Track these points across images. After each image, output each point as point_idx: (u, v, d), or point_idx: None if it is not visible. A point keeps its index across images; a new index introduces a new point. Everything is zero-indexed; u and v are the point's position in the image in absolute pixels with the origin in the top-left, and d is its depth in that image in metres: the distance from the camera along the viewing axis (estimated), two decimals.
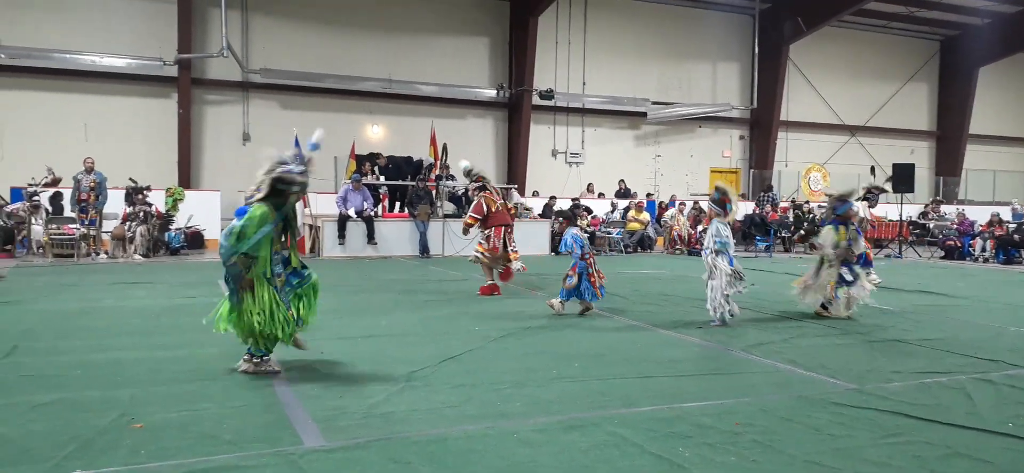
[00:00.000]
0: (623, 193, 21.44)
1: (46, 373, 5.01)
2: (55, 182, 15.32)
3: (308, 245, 15.78)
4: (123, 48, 18.56)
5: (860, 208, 12.27)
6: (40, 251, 14.28)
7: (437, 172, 17.45)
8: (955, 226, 20.11)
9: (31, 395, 4.43)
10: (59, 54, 17.99)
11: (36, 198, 14.46)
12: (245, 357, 5.06)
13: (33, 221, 14.41)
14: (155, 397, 4.44)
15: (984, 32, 26.38)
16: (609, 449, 3.69)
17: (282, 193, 4.95)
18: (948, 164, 28.07)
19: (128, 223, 14.69)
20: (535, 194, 20.88)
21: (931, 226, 21.55)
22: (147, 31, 18.72)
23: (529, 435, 3.88)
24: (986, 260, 17.49)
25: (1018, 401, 4.78)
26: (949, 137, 28.27)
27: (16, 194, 15.33)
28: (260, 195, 4.93)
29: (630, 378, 5.22)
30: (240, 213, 4.97)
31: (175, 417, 4.05)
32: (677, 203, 19.66)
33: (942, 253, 18.91)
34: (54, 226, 14.41)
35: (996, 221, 18.37)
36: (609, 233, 18.78)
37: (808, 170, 24.67)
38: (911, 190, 19.18)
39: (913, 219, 22.21)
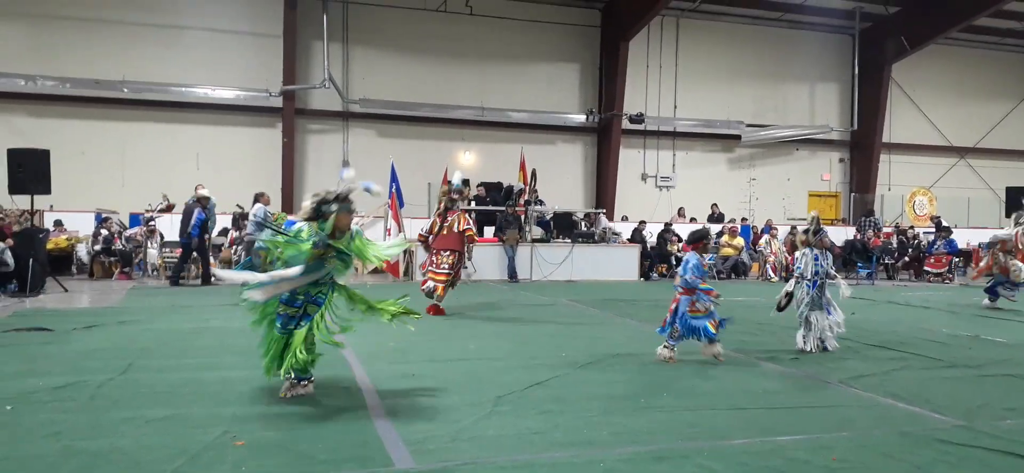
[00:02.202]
0: (716, 217, 21.03)
1: (159, 390, 5.33)
2: (169, 208, 16.25)
3: (401, 268, 16.15)
4: (232, 81, 19.62)
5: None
6: (155, 273, 15.15)
7: (526, 198, 17.59)
8: None
9: (145, 410, 4.72)
10: (174, 88, 19.19)
11: (152, 223, 15.38)
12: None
13: (149, 245, 15.33)
14: (256, 416, 4.66)
15: None
16: None
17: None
18: None
19: (234, 247, 15.43)
20: (624, 218, 20.73)
21: None
22: (254, 65, 19.73)
23: (616, 465, 3.86)
24: None
25: None
26: None
27: (135, 220, 16.37)
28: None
29: (721, 409, 5.12)
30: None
31: (274, 435, 4.24)
32: (770, 228, 19.12)
33: None
34: (168, 249, 15.28)
35: None
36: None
37: (913, 194, 23.56)
38: None
39: None
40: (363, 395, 5.19)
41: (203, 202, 13.64)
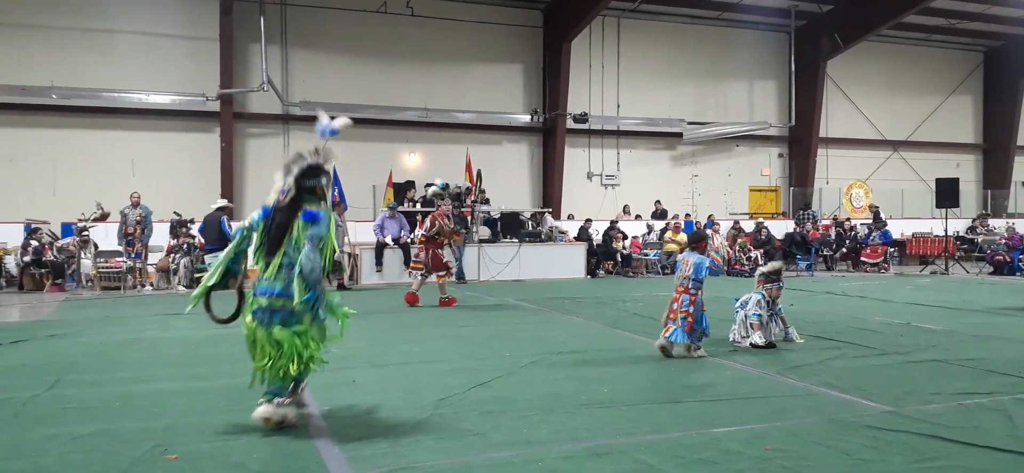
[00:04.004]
0: (659, 214, 21.31)
1: (88, 405, 5.16)
2: (104, 217, 15.77)
3: (346, 275, 15.94)
4: (168, 85, 19.12)
5: None
6: (89, 284, 14.69)
7: (473, 198, 17.57)
8: (1004, 241, 19.55)
9: (71, 427, 4.57)
10: (107, 93, 18.61)
11: (85, 233, 14.91)
12: (284, 399, 4.51)
13: (82, 255, 14.85)
14: (189, 427, 4.54)
15: None
16: None
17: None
18: (996, 177, 27.35)
19: (172, 255, 15.06)
20: (570, 217, 20.86)
21: (979, 241, 20.99)
22: (190, 68, 19.26)
23: (554, 463, 3.87)
24: None
25: None
26: (996, 149, 27.56)
27: (67, 229, 15.84)
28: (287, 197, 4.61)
29: (661, 403, 5.18)
30: (263, 214, 4.60)
31: (207, 447, 4.14)
32: (713, 224, 19.47)
33: (991, 269, 18.39)
34: (102, 259, 14.83)
35: None
36: (646, 255, 18.67)
37: (850, 187, 24.23)
38: (956, 205, 18.73)
39: (960, 234, 21.66)
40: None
41: (228, 212, 14.87)
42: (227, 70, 19.09)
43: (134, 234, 14.44)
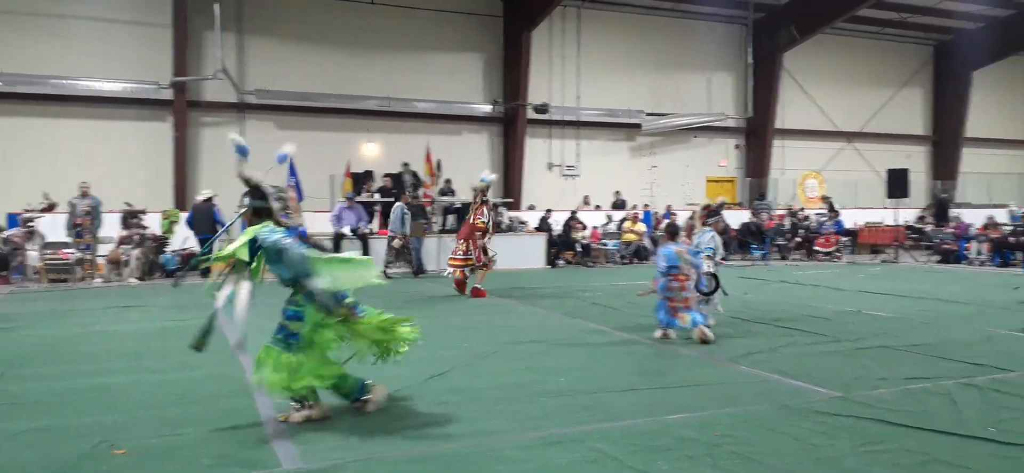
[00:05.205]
0: (619, 205, 21.46)
1: (32, 400, 5.03)
2: (50, 208, 15.37)
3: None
4: (119, 72, 18.62)
5: None
6: (36, 276, 14.30)
7: (430, 187, 17.50)
8: (951, 230, 20.10)
9: (14, 422, 4.45)
10: (55, 80, 18.06)
11: (31, 224, 14.49)
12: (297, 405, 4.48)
13: (29, 247, 14.44)
14: (139, 422, 4.46)
15: (977, 36, 26.43)
16: (588, 464, 3.70)
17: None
18: (944, 168, 28.06)
19: (123, 247, 14.73)
20: (531, 208, 20.89)
21: (927, 230, 21.54)
22: (142, 55, 18.78)
23: (510, 452, 3.89)
24: (982, 263, 17.48)
25: (1002, 405, 4.79)
26: (945, 141, 28.28)
27: (12, 220, 15.39)
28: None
29: (615, 391, 5.23)
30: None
31: (156, 442, 4.06)
32: (671, 214, 19.66)
33: (938, 257, 18.90)
34: (50, 251, 14.44)
35: (991, 224, 18.36)
36: (605, 245, 18.80)
37: (804, 177, 24.69)
38: (906, 195, 19.20)
39: (910, 224, 22.21)
40: (254, 397, 5.01)
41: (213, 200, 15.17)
42: (181, 57, 18.68)
43: (83, 225, 14.07)
